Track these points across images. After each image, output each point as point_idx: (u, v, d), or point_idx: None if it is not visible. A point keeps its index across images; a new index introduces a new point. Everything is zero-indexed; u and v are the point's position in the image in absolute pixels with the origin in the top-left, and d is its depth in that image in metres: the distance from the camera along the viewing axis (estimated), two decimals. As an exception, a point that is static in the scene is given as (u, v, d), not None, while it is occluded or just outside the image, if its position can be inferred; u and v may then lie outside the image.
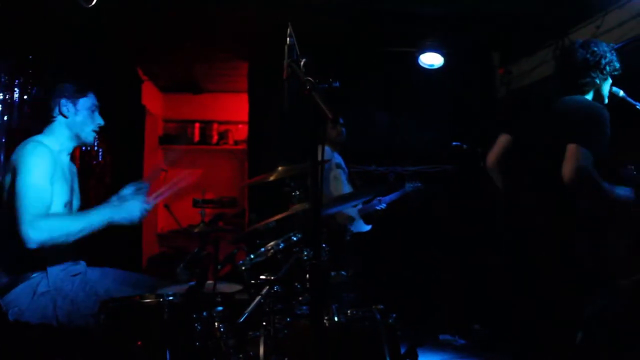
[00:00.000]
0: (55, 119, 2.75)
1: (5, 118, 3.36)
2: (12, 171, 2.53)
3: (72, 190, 2.80)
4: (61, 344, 2.49)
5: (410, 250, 5.43)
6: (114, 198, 2.91)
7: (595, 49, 2.83)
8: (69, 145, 2.80)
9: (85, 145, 2.92)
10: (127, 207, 2.66)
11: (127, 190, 2.94)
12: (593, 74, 2.86)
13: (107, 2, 3.59)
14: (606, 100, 2.94)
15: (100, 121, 2.85)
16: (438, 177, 5.61)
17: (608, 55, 2.85)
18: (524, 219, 2.94)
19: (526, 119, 3.03)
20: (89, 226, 2.54)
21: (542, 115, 2.93)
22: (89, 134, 2.81)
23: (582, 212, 2.77)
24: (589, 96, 2.91)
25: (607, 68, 2.86)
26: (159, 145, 7.33)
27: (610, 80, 2.92)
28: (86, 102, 2.78)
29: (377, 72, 5.72)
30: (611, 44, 2.91)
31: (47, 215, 2.48)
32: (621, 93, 2.92)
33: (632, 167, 2.84)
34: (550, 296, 2.88)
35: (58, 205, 2.66)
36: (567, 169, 2.63)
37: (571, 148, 2.64)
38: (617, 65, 2.87)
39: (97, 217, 2.57)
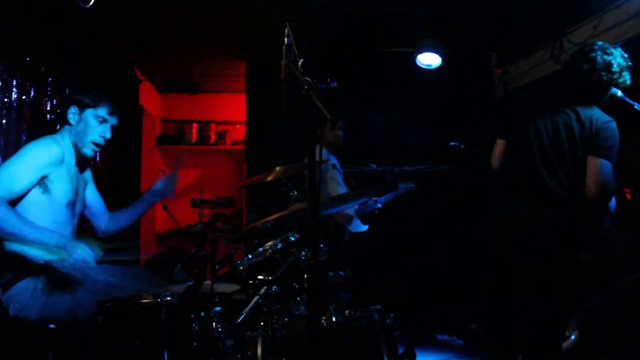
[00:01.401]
0: (64, 124, 2.78)
1: (4, 121, 3.35)
2: None
3: (76, 193, 2.80)
4: (60, 340, 2.49)
5: (408, 250, 5.44)
6: (147, 194, 3.12)
7: (616, 68, 2.83)
8: (73, 153, 2.79)
9: (84, 158, 2.84)
10: (80, 249, 2.56)
11: (159, 184, 3.11)
12: (609, 90, 2.89)
13: (104, 2, 3.59)
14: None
15: (105, 134, 2.80)
16: (435, 177, 5.61)
17: (624, 74, 2.86)
18: (525, 220, 2.94)
19: (529, 120, 3.01)
20: (36, 240, 2.51)
21: (552, 120, 2.92)
22: (86, 145, 2.77)
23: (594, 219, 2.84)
24: None
25: (619, 85, 2.88)
26: (157, 145, 7.32)
27: None
28: (93, 112, 2.77)
29: (375, 72, 5.72)
30: (629, 62, 2.88)
31: (4, 201, 2.47)
32: (619, 93, 2.92)
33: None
34: (548, 296, 2.88)
35: (60, 204, 2.68)
36: (593, 183, 2.76)
37: (595, 162, 2.76)
38: (629, 82, 2.89)
39: (50, 239, 2.53)
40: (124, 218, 3.10)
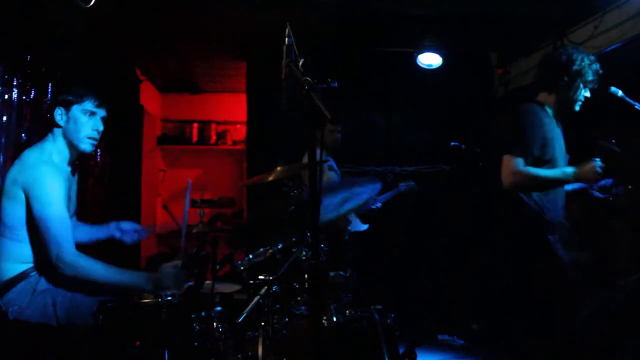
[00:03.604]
0: (54, 127, 2.72)
1: (5, 119, 3.34)
2: (25, 193, 2.51)
3: (69, 199, 2.79)
4: (60, 342, 2.49)
5: (408, 250, 5.44)
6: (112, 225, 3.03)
7: (574, 56, 2.89)
8: (68, 154, 2.74)
9: (84, 154, 2.80)
10: (162, 278, 2.53)
11: (128, 225, 3.06)
12: (564, 77, 2.91)
13: (104, 2, 3.59)
14: (576, 108, 2.97)
15: (97, 126, 2.74)
16: (436, 177, 5.61)
17: (584, 65, 2.89)
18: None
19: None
20: (119, 282, 2.51)
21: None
22: (82, 141, 2.70)
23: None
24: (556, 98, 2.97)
25: (579, 77, 2.90)
26: (157, 145, 7.32)
27: (584, 91, 2.94)
28: (79, 108, 2.70)
29: (376, 72, 5.73)
30: (596, 62, 2.93)
31: (80, 254, 2.50)
32: (620, 93, 2.92)
33: (614, 140, 2.90)
34: (547, 296, 2.88)
35: None
36: (503, 179, 2.85)
37: (504, 159, 2.85)
38: (590, 77, 2.91)
39: (130, 279, 2.54)
40: (84, 234, 3.00)
